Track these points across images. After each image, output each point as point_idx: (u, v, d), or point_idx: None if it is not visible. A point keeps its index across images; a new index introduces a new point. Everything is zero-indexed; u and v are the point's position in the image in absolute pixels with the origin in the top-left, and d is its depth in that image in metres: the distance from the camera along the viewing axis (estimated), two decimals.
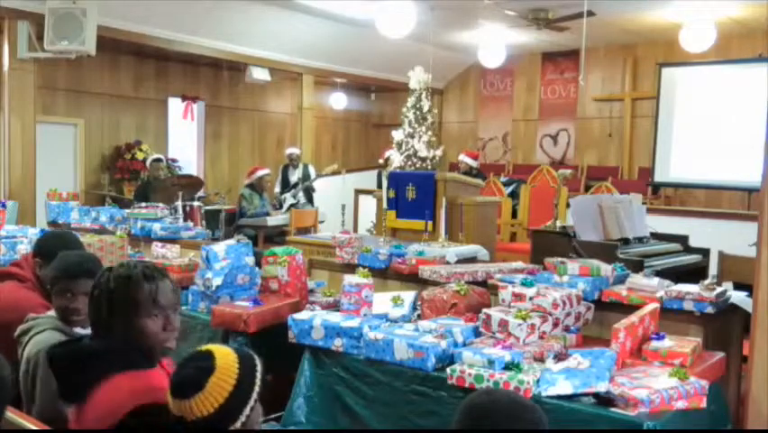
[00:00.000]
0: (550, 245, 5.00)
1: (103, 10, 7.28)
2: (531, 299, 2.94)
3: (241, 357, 1.69)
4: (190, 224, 5.87)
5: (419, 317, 3.31)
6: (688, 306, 3.01)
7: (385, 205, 5.72)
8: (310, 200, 9.28)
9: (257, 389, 1.67)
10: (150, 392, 1.77)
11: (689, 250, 5.30)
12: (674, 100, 9.65)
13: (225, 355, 1.67)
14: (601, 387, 2.35)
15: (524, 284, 3.08)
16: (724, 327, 3.11)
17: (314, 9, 9.01)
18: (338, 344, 3.00)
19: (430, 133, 8.36)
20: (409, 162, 8.12)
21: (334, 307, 3.53)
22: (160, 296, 1.95)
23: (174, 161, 10.40)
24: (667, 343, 2.74)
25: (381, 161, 9.04)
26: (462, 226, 5.18)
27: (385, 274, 4.06)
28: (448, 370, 2.57)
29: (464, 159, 8.69)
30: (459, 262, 4.24)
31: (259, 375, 1.69)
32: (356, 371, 2.93)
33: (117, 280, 1.93)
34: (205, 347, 1.72)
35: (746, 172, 8.15)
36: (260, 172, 8.50)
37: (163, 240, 5.02)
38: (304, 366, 3.09)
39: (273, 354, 2.89)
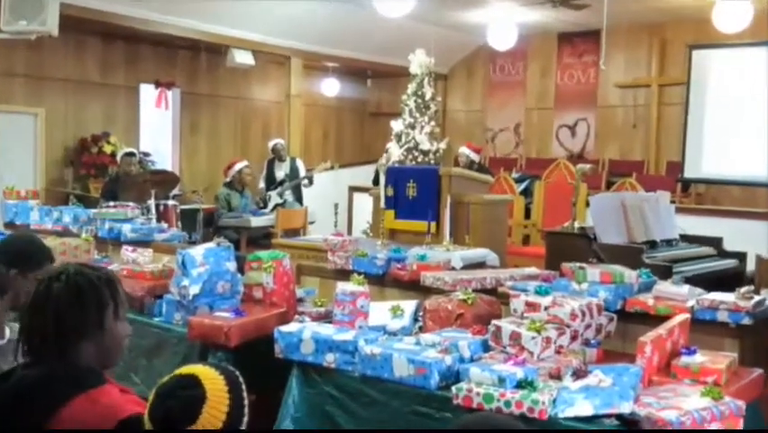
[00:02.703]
0: (567, 249, 5.00)
1: None
2: (546, 309, 2.94)
3: (228, 379, 1.69)
4: (164, 225, 5.86)
5: (421, 329, 3.31)
6: (722, 316, 3.01)
7: (383, 203, 5.72)
8: (299, 199, 9.27)
9: (246, 411, 1.69)
10: (125, 405, 1.77)
11: (723, 254, 5.30)
12: (706, 86, 9.65)
13: (213, 380, 1.67)
14: (625, 408, 2.35)
15: (538, 292, 3.07)
16: (762, 341, 3.11)
17: None
18: (330, 359, 3.00)
19: (433, 123, 8.35)
20: (410, 156, 8.13)
21: (326, 318, 3.53)
22: (123, 298, 1.98)
23: (146, 154, 10.38)
24: (699, 358, 2.74)
25: (384, 158, 9.04)
26: (469, 228, 5.18)
27: (382, 281, 4.06)
28: (453, 389, 2.57)
29: (465, 151, 8.66)
30: (465, 267, 4.24)
31: (246, 395, 1.71)
32: (350, 390, 2.93)
33: (101, 280, 1.92)
34: (186, 371, 1.70)
35: None
36: (238, 165, 8.46)
37: (134, 243, 5.02)
38: (292, 384, 3.08)
39: (257, 371, 2.88)
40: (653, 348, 2.64)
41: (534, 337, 2.76)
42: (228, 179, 8.48)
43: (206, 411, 1.62)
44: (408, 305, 3.48)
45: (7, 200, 6.25)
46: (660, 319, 2.99)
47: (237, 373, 1.73)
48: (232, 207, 8.27)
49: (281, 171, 9.34)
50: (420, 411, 2.70)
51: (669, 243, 5.21)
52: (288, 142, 10.26)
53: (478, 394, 2.49)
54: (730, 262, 5.22)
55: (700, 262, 5.08)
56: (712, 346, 2.93)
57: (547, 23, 10.83)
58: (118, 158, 8.36)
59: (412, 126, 8.16)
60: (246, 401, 1.70)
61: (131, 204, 5.92)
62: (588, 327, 2.98)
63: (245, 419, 1.68)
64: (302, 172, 9.39)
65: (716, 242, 5.39)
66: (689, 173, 9.77)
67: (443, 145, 8.37)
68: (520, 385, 2.48)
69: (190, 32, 9.34)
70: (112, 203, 6.04)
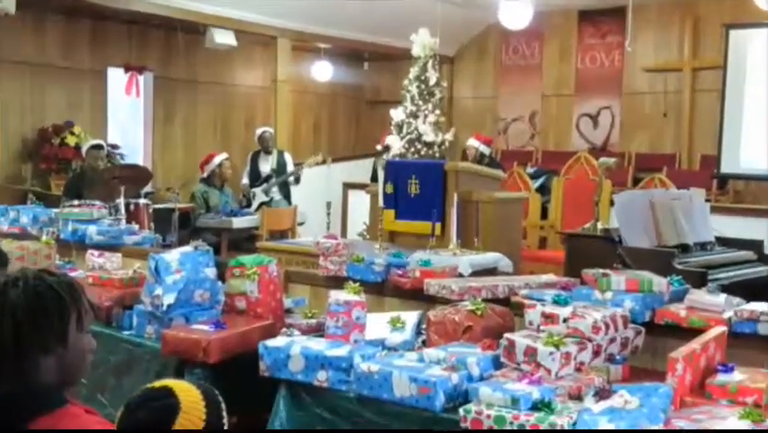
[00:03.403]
0: (589, 253, 5.00)
1: None
2: (565, 321, 2.94)
3: (205, 393, 1.71)
4: (135, 226, 5.86)
5: (424, 343, 3.31)
6: (763, 329, 3.01)
7: (381, 202, 5.72)
8: (287, 196, 9.27)
9: (225, 429, 1.71)
10: (93, 427, 1.78)
11: (764, 259, 5.30)
12: (745, 70, 9.66)
13: (187, 391, 1.68)
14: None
15: (556, 302, 3.07)
16: None
17: None
18: (322, 378, 3.00)
19: (438, 111, 8.39)
20: (412, 149, 8.15)
21: (317, 331, 3.53)
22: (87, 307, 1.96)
23: (115, 147, 10.38)
24: (737, 376, 2.74)
25: (379, 147, 9.06)
26: (479, 229, 5.18)
27: (381, 290, 4.07)
28: (461, 410, 2.57)
29: (473, 143, 8.66)
30: (474, 274, 4.24)
31: (225, 414, 1.72)
32: (344, 412, 2.93)
33: (62, 287, 1.90)
34: (159, 383, 1.72)
35: None
36: (217, 159, 8.41)
37: (101, 247, 5.02)
38: (279, 406, 3.09)
39: (240, 391, 2.88)
40: (685, 365, 2.64)
41: (551, 353, 2.76)
42: (205, 175, 8.45)
43: (180, 422, 1.62)
44: (410, 316, 3.48)
45: None
46: (693, 332, 2.99)
47: (216, 391, 1.74)
48: (210, 205, 8.22)
49: (267, 165, 9.33)
50: None
51: (703, 246, 5.22)
52: (274, 133, 10.25)
53: (488, 417, 2.49)
54: None
55: (739, 267, 5.08)
56: (752, 363, 2.93)
57: None
58: (83, 151, 8.36)
59: (414, 115, 8.18)
60: (225, 419, 1.71)
61: (97, 203, 5.92)
62: (612, 341, 2.98)
63: None
64: (290, 167, 9.39)
65: (756, 245, 5.39)
66: (726, 168, 9.78)
67: (449, 136, 8.40)
68: (536, 407, 2.48)
69: (164, 10, 9.33)
70: (76, 202, 6.04)
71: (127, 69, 11.10)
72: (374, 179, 8.56)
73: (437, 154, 8.15)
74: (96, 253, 4.73)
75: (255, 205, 8.97)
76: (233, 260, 3.82)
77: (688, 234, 5.13)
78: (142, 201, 7.50)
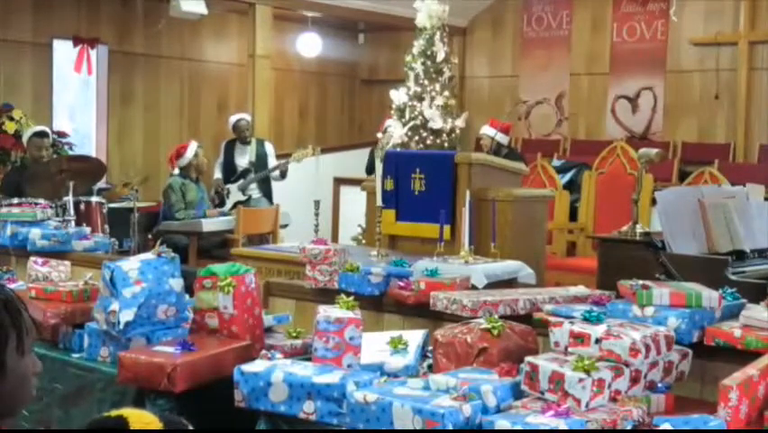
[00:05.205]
0: (626, 261, 5.01)
1: None
2: (598, 341, 2.95)
3: (168, 424, 1.70)
4: (87, 229, 5.86)
5: (430, 368, 3.32)
6: None
7: (380, 201, 5.73)
8: (267, 194, 9.28)
9: None
10: None
11: None
12: None
13: (147, 422, 1.68)
14: None
15: (587, 319, 3.08)
16: None
17: None
18: (309, 409, 3.00)
19: (447, 93, 8.38)
20: (416, 137, 8.15)
21: (303, 354, 3.54)
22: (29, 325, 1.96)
23: (62, 135, 10.39)
24: None
25: (380, 134, 9.06)
26: (496, 233, 5.19)
27: (379, 305, 4.07)
28: None
29: (489, 131, 8.67)
30: (490, 286, 4.24)
31: None
32: None
33: None
34: (114, 412, 1.71)
35: None
36: (192, 148, 8.36)
37: (45, 254, 5.01)
38: None
39: (212, 425, 2.88)
40: (740, 394, 2.64)
41: (581, 380, 2.77)
42: (180, 166, 8.36)
43: None
44: (413, 336, 3.49)
45: None
46: (750, 356, 2.99)
47: (187, 424, 1.74)
48: (187, 201, 8.18)
49: (244, 158, 9.35)
50: None
51: (762, 253, 5.22)
52: (252, 120, 10.26)
53: None
54: None
55: None
56: None
57: None
58: (24, 139, 8.38)
59: (419, 97, 8.18)
60: None
61: (41, 201, 5.91)
62: (653, 365, 2.99)
63: None
64: (272, 159, 9.39)
65: None
66: None
67: (460, 123, 8.40)
68: None
69: None
70: (15, 200, 6.03)
71: (77, 41, 11.09)
72: (371, 172, 8.60)
73: (446, 144, 8.14)
74: (39, 260, 4.73)
75: (230, 204, 8.98)
76: (202, 269, 3.81)
77: (744, 239, 5.14)
78: (95, 199, 7.51)
